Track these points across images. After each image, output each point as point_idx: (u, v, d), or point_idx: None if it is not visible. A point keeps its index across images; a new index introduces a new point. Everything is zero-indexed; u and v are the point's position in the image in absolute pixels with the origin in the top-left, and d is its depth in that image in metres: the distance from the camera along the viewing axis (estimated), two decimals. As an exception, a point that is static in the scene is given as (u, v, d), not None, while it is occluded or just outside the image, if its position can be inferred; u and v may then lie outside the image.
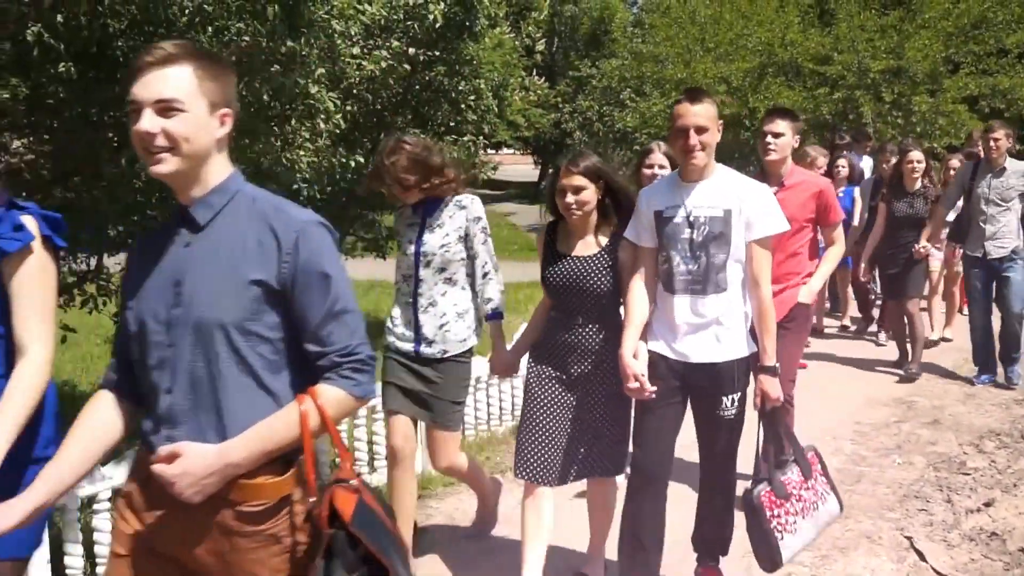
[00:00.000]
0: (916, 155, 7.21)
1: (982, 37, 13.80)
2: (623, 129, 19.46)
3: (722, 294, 3.26)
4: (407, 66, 7.16)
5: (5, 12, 3.65)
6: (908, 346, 7.28)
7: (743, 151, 15.47)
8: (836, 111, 13.54)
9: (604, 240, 3.50)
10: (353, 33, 5.87)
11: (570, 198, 3.38)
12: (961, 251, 7.37)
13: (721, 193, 3.27)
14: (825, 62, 13.95)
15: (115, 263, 5.83)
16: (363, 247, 9.83)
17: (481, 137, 9.63)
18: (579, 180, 3.38)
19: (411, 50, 7.05)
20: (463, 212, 3.79)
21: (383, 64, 6.36)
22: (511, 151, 31.25)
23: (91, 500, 3.55)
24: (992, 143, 6.73)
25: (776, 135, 4.43)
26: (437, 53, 7.98)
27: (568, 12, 29.86)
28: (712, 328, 3.30)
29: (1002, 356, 6.96)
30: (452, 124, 9.05)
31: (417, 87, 8.36)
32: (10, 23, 3.66)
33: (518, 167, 36.53)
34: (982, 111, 13.92)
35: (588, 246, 3.49)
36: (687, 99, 3.24)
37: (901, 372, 7.20)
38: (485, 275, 3.79)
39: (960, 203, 7.25)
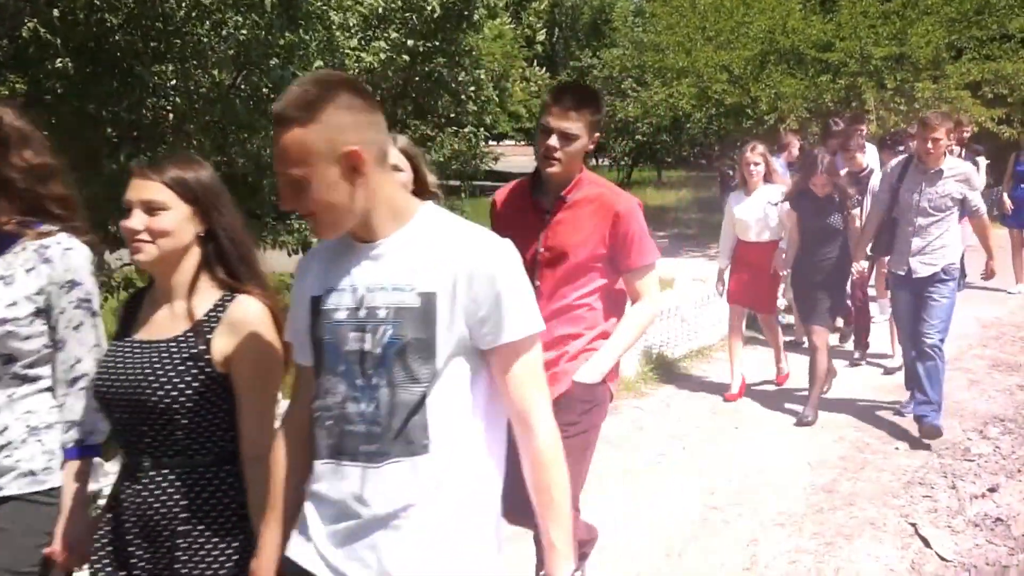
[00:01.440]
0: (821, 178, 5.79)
1: (985, 22, 13.72)
2: (625, 119, 19.44)
3: (420, 459, 1.66)
4: (406, 57, 7.15)
5: (2, 8, 3.64)
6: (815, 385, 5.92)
7: (744, 141, 15.42)
8: (839, 99, 13.48)
9: (205, 308, 1.98)
10: (351, 24, 5.87)
11: (135, 220, 1.94)
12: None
13: (418, 262, 1.67)
14: (827, 49, 13.89)
15: (115, 259, 5.82)
16: (365, 240, 9.83)
17: (482, 128, 9.63)
18: (154, 193, 1.95)
19: (410, 41, 7.04)
20: (46, 269, 2.14)
21: (382, 55, 6.36)
22: (513, 142, 31.25)
23: (95, 496, 3.55)
24: (930, 144, 5.26)
25: (566, 137, 2.83)
26: (436, 44, 7.97)
27: (569, 2, 29.82)
28: (403, 524, 1.68)
29: (912, 393, 5.68)
30: (453, 115, 9.06)
31: (417, 78, 8.35)
32: (6, 19, 3.65)
33: (520, 159, 36.49)
34: (985, 97, 13.86)
35: (172, 321, 1.99)
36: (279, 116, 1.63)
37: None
38: (74, 380, 2.17)
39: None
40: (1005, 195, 9.91)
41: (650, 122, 17.63)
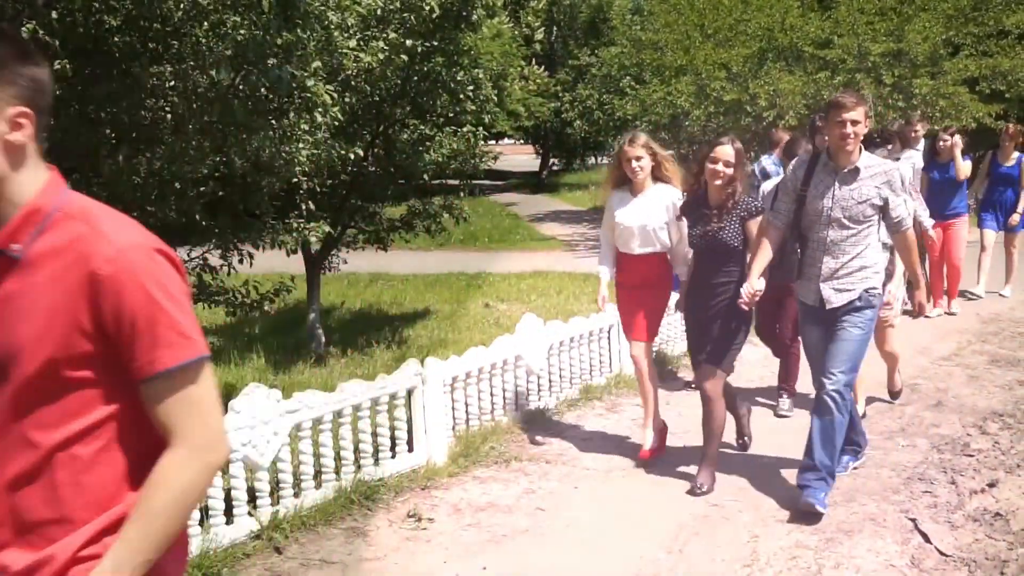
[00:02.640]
0: (725, 151, 4.52)
1: (982, 18, 13.75)
2: (623, 117, 19.44)
3: None
4: (404, 57, 7.16)
5: (0, 10, 3.65)
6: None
7: (743, 138, 15.47)
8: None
9: None
10: (350, 24, 5.88)
11: None
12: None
13: None
14: (825, 46, 13.92)
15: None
16: (364, 239, 9.87)
17: (481, 127, 9.65)
18: None
19: (408, 41, 7.05)
20: None
21: (380, 55, 6.37)
22: (512, 141, 31.27)
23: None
24: (849, 127, 4.12)
25: None
26: (435, 43, 7.98)
27: (567, 0, 29.83)
28: None
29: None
30: (451, 115, 9.09)
31: (415, 78, 8.37)
32: (5, 21, 3.66)
33: (519, 157, 36.56)
34: (983, 93, 13.89)
35: None
36: None
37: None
38: None
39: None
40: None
41: (648, 120, 17.65)
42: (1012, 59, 13.82)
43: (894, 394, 6.02)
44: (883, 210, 4.25)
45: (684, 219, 4.79)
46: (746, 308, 4.40)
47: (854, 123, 4.12)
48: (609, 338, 6.57)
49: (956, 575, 3.70)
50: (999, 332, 7.96)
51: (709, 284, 4.64)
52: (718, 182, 4.52)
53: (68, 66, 4.04)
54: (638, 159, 4.87)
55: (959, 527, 4.13)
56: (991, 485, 4.57)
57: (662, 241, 4.93)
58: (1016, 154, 8.88)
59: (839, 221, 4.24)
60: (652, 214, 4.90)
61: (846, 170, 4.23)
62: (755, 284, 4.32)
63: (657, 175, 4.97)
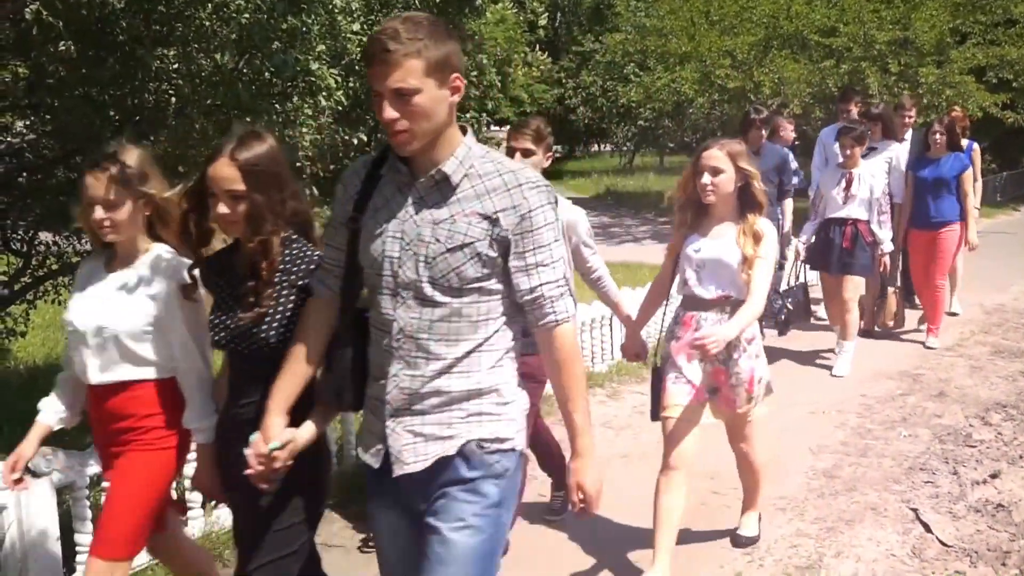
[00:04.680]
0: (221, 171, 2.39)
1: (990, 7, 13.70)
2: (627, 104, 19.38)
3: None
4: (409, 42, 7.11)
5: (4, -10, 3.64)
6: None
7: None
8: (842, 83, 13.47)
9: None
10: (354, 8, 5.84)
11: None
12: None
13: None
14: (831, 34, 13.86)
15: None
16: (367, 226, 9.84)
17: (484, 113, 9.62)
18: None
19: (412, 26, 7.01)
20: None
21: (384, 40, 6.32)
22: (515, 127, 31.27)
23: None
24: (389, 108, 1.93)
25: None
26: (439, 28, 7.94)
27: (571, -14, 29.74)
28: None
29: None
30: (455, 101, 9.04)
31: (419, 63, 8.32)
32: (8, 1, 3.64)
33: (522, 143, 36.42)
34: (990, 82, 13.83)
35: None
36: None
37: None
38: None
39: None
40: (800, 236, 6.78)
41: (652, 107, 17.58)
42: (1020, 48, 13.77)
43: None
44: (503, 268, 2.04)
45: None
46: (268, 487, 2.24)
47: (403, 93, 1.92)
48: (611, 326, 6.57)
49: (957, 566, 3.71)
50: (1002, 323, 7.96)
51: (241, 421, 2.38)
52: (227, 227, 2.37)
53: (73, 48, 4.03)
54: (110, 206, 2.48)
55: (961, 518, 4.14)
56: (993, 476, 4.57)
57: (142, 359, 2.54)
58: (964, 141, 7.65)
59: (415, 287, 2.02)
60: (128, 308, 2.53)
61: (424, 179, 2.03)
62: (303, 435, 2.25)
63: (158, 231, 2.61)
